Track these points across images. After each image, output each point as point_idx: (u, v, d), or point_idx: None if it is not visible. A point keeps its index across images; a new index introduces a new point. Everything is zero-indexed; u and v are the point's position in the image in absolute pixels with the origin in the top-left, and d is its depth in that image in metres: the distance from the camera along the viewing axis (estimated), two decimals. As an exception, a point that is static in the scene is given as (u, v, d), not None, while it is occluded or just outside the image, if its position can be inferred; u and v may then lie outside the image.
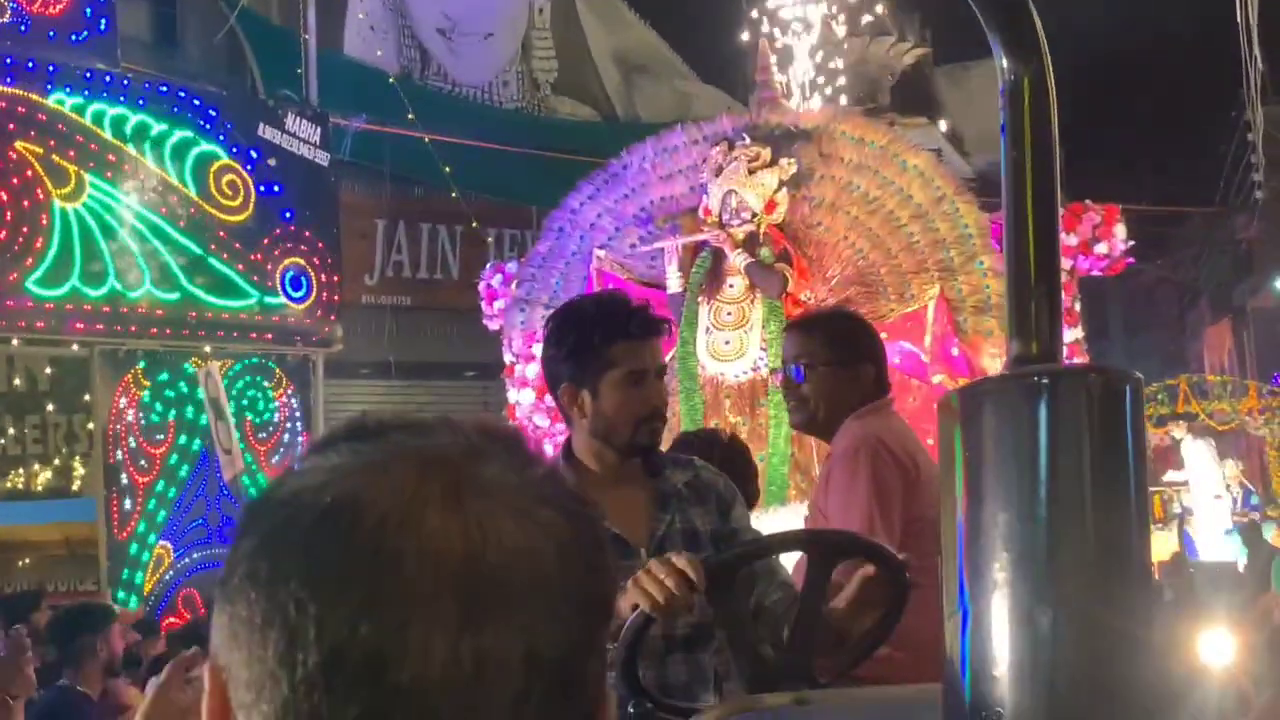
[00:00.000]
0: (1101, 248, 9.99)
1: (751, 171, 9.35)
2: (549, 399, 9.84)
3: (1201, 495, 14.45)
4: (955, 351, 9.16)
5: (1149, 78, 19.95)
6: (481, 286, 10.57)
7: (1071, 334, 9.76)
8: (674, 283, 9.41)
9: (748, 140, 9.44)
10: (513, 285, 10.22)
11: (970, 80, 22.49)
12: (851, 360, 3.41)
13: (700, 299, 9.43)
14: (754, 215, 9.27)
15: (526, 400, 10.11)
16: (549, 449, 9.87)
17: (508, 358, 10.21)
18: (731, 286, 9.40)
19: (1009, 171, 1.31)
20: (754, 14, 13.96)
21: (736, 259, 9.29)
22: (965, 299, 9.24)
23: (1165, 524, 14.67)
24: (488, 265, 10.72)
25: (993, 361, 9.22)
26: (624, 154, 10.14)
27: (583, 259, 9.84)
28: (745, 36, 11.79)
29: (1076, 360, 9.67)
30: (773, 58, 11.24)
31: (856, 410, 3.35)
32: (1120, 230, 9.84)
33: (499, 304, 10.40)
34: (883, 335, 8.98)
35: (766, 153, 9.36)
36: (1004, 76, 1.28)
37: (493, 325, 10.46)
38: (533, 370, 9.94)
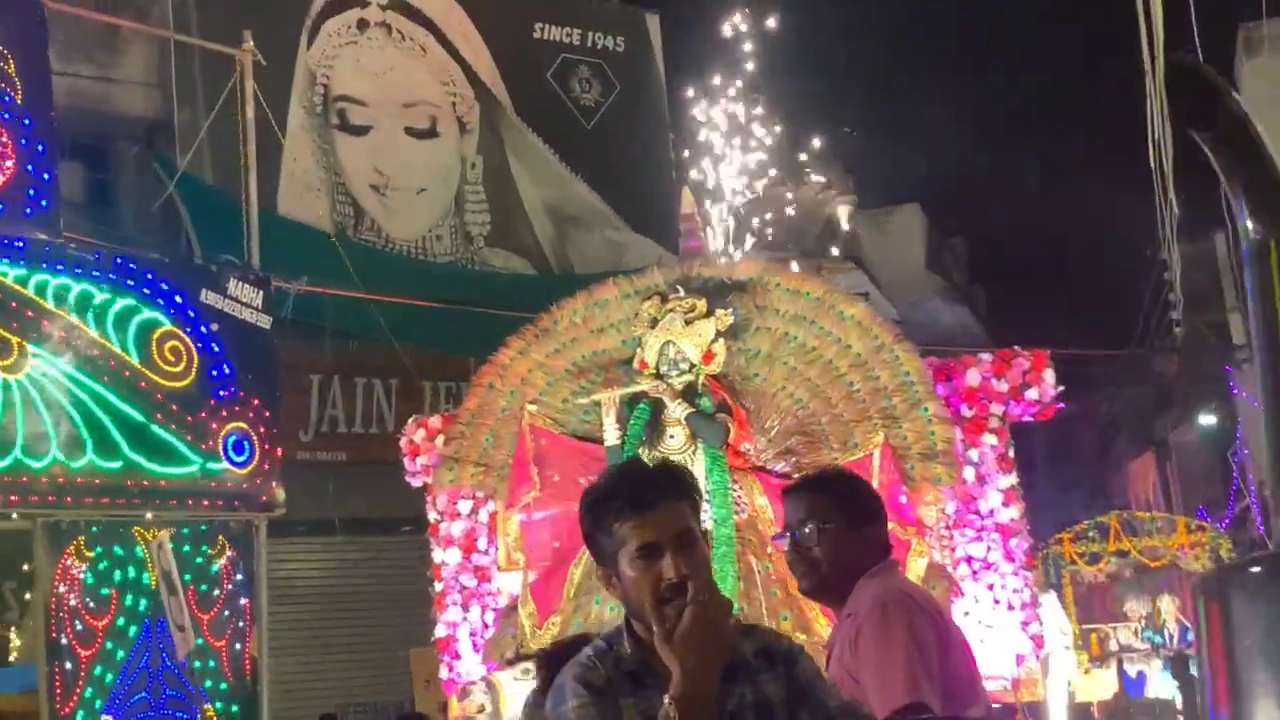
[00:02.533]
0: (1032, 393, 10.02)
1: (688, 322, 9.27)
2: (476, 557, 9.81)
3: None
4: (904, 499, 8.94)
5: (1068, 225, 20.60)
6: (403, 442, 10.30)
7: (1007, 480, 9.77)
8: (611, 435, 9.25)
9: (681, 291, 9.38)
10: (438, 441, 9.97)
11: (890, 225, 23.03)
12: (863, 521, 3.41)
13: (641, 450, 9.20)
14: (692, 366, 9.19)
15: (453, 560, 9.94)
16: (477, 611, 9.76)
17: (432, 515, 10.04)
18: (673, 438, 9.25)
19: (1260, 326, 1.36)
20: (684, 157, 13.81)
21: (676, 409, 9.17)
22: (911, 445, 9.06)
23: (1103, 662, 14.85)
24: (410, 420, 10.51)
25: (928, 510, 9.25)
26: (554, 308, 9.94)
27: (513, 414, 9.62)
28: (674, 176, 11.71)
29: (1014, 506, 9.74)
30: (692, 206, 11.26)
31: (868, 571, 3.34)
32: (1049, 375, 9.70)
33: (422, 459, 10.16)
34: None
35: (702, 304, 9.30)
36: (1248, 237, 1.36)
37: (415, 482, 10.24)
38: (458, 528, 9.91)
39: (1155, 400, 21.96)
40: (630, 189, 18.74)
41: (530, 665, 8.18)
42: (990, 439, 9.36)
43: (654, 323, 9.35)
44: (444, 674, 9.96)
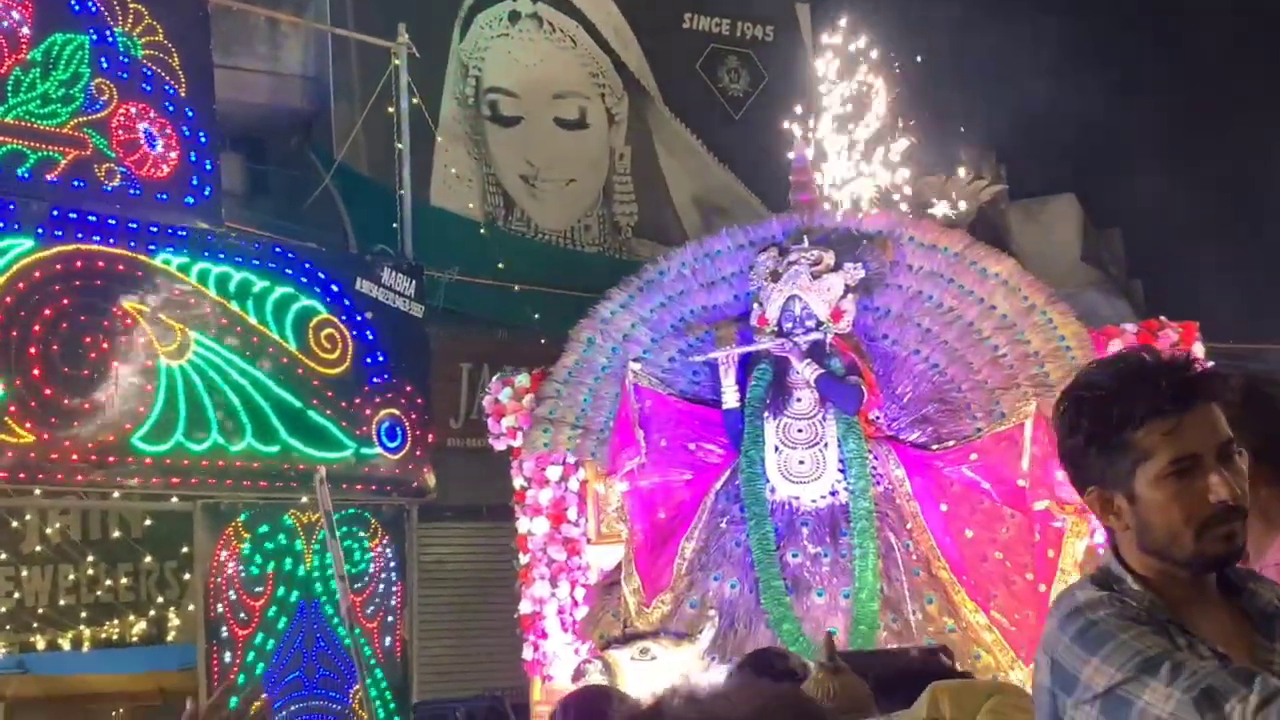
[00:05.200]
0: (1180, 367, 9.36)
1: (815, 276, 8.67)
2: (565, 528, 9.49)
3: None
4: (1060, 475, 8.62)
5: (1234, 214, 19.86)
6: (487, 401, 9.85)
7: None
8: (729, 397, 8.74)
9: (806, 243, 8.80)
10: (525, 400, 9.50)
11: (1043, 215, 22.54)
12: None
13: (764, 414, 8.74)
14: (819, 323, 8.61)
15: (540, 530, 9.37)
16: (566, 586, 9.19)
17: (518, 482, 9.50)
18: (799, 401, 8.68)
19: None
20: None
21: (805, 370, 8.60)
22: None
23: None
24: (494, 378, 10.08)
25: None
26: (661, 259, 9.57)
27: (614, 373, 9.14)
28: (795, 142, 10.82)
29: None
30: (805, 155, 10.31)
31: None
32: (1199, 349, 8.88)
33: (508, 421, 9.66)
34: (972, 457, 8.58)
35: (830, 256, 8.72)
36: None
37: (499, 445, 9.75)
38: (546, 496, 9.37)
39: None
40: (778, 180, 18.61)
41: (648, 645, 8.10)
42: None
43: (775, 276, 8.76)
44: (528, 653, 9.41)
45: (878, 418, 8.79)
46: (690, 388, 9.13)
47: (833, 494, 8.63)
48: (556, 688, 8.93)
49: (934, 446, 8.80)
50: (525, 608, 9.42)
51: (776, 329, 8.70)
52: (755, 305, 8.86)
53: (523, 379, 9.73)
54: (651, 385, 9.06)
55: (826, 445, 8.67)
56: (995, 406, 8.70)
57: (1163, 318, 9.28)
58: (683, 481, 8.95)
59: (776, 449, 8.70)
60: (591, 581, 9.26)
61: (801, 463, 8.69)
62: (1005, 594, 8.30)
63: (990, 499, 8.50)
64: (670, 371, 9.15)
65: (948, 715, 3.01)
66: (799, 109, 11.55)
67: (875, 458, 8.60)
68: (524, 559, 9.52)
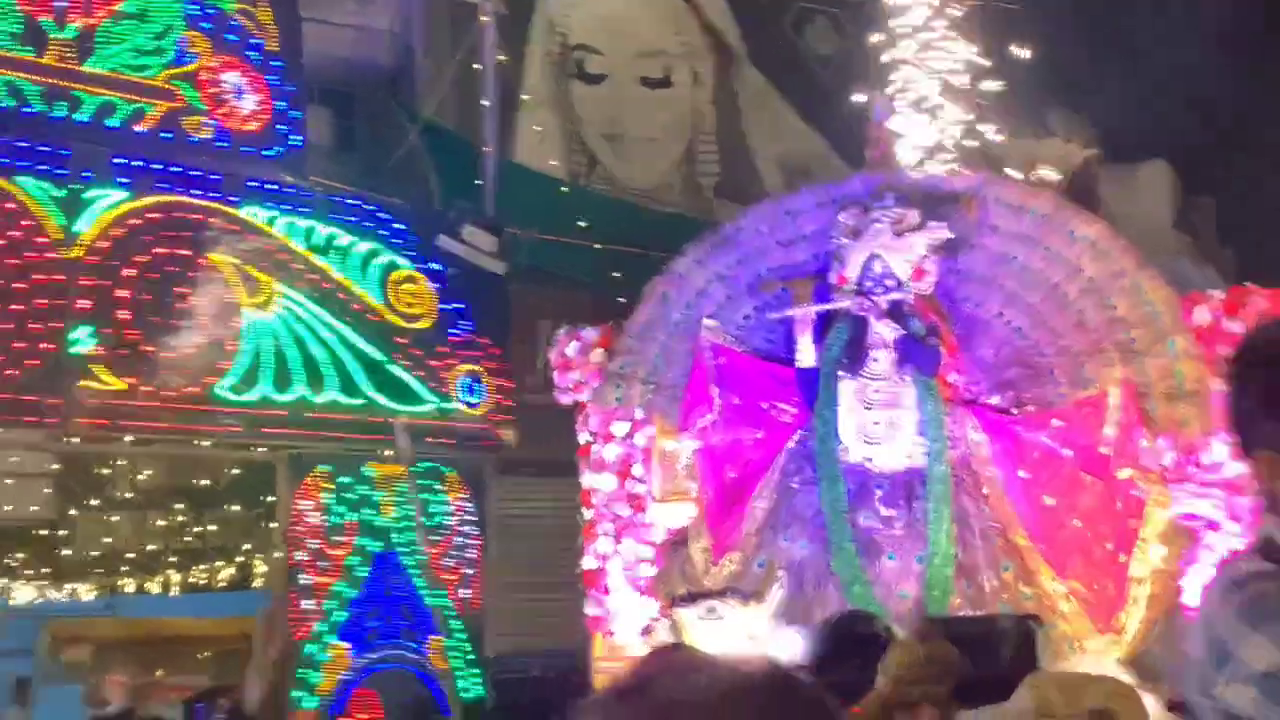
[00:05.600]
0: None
1: (898, 235, 8.50)
2: (630, 485, 9.44)
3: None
4: (1145, 444, 8.25)
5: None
6: (553, 355, 9.69)
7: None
8: (806, 356, 8.62)
9: (890, 200, 8.63)
10: (593, 355, 9.37)
11: (1136, 180, 22.18)
12: None
13: (840, 374, 8.64)
14: (900, 283, 8.47)
15: (606, 486, 9.19)
16: (630, 543, 9.13)
17: (583, 437, 9.37)
18: (876, 361, 8.57)
19: None
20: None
21: (883, 330, 8.50)
22: (1154, 384, 8.27)
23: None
24: (560, 331, 9.89)
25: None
26: (740, 216, 9.38)
27: (688, 329, 9.01)
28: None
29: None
30: (884, 111, 10.14)
31: None
32: None
33: (575, 375, 9.53)
34: (1054, 423, 8.46)
35: (914, 215, 8.54)
36: None
37: (565, 400, 9.62)
38: (611, 452, 9.24)
39: None
40: (863, 142, 18.46)
41: (715, 605, 8.09)
42: (1219, 384, 8.64)
43: (856, 233, 8.61)
44: (591, 610, 9.28)
45: (957, 381, 8.67)
46: (764, 346, 9.03)
47: (908, 457, 8.56)
48: (619, 644, 8.91)
49: (1014, 411, 8.69)
50: (589, 564, 9.38)
51: (855, 288, 8.58)
52: (834, 263, 8.72)
53: (590, 333, 9.64)
54: (726, 342, 8.96)
55: (903, 407, 8.58)
56: (1079, 372, 8.56)
57: (1249, 284, 9.04)
58: (754, 440, 8.91)
59: (852, 410, 8.62)
60: (656, 539, 9.21)
61: (877, 424, 8.60)
62: (1083, 563, 8.21)
63: (1071, 466, 8.37)
64: (745, 329, 9.05)
65: (1060, 708, 2.89)
66: (884, 59, 11.38)
67: (953, 421, 8.49)
68: (588, 514, 9.47)
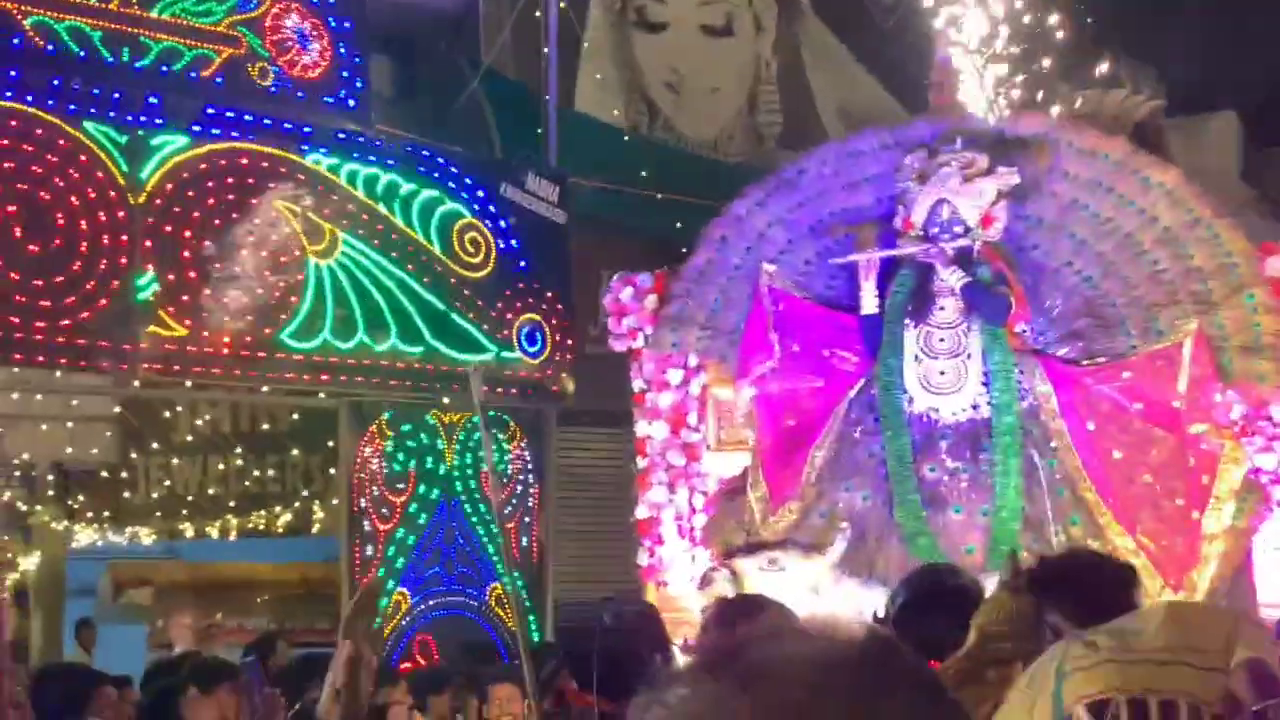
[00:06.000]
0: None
1: (966, 180, 8.26)
2: (684, 433, 9.32)
3: None
4: (1219, 398, 8.11)
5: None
6: (607, 300, 9.64)
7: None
8: (869, 303, 8.45)
9: (959, 144, 8.43)
10: (648, 301, 9.32)
11: (1203, 133, 21.81)
12: None
13: (905, 322, 8.49)
14: (968, 229, 8.25)
15: (660, 435, 9.19)
16: (684, 493, 9.07)
17: (637, 384, 9.31)
18: (942, 309, 8.41)
19: None
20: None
21: (950, 277, 8.30)
22: (1230, 336, 8.09)
23: None
24: (615, 276, 9.78)
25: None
26: (802, 158, 9.18)
27: (747, 274, 8.87)
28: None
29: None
30: (946, 55, 9.95)
31: None
32: None
33: (629, 321, 9.48)
34: (1124, 375, 8.30)
35: (983, 160, 8.31)
36: None
37: (619, 346, 9.57)
38: (666, 399, 9.21)
39: None
40: (927, 89, 18.23)
41: (777, 555, 8.03)
42: None
43: (923, 178, 8.41)
44: (643, 559, 9.29)
45: (1025, 330, 8.50)
46: (826, 291, 8.89)
47: (974, 408, 8.41)
48: (672, 594, 8.89)
49: (1084, 362, 8.53)
50: (642, 513, 9.32)
51: (921, 233, 8.39)
52: (899, 208, 8.54)
53: (645, 278, 9.53)
54: (786, 287, 8.81)
55: (970, 356, 8.42)
56: (1152, 323, 8.37)
57: None
58: (814, 388, 8.79)
59: (916, 358, 8.47)
60: (710, 489, 9.13)
61: (942, 374, 8.45)
62: (1153, 518, 8.08)
63: (1141, 419, 8.22)
64: (806, 274, 8.90)
65: (1211, 646, 2.38)
66: (947, 6, 11.17)
67: (1021, 372, 8.32)
68: (641, 463, 9.36)
